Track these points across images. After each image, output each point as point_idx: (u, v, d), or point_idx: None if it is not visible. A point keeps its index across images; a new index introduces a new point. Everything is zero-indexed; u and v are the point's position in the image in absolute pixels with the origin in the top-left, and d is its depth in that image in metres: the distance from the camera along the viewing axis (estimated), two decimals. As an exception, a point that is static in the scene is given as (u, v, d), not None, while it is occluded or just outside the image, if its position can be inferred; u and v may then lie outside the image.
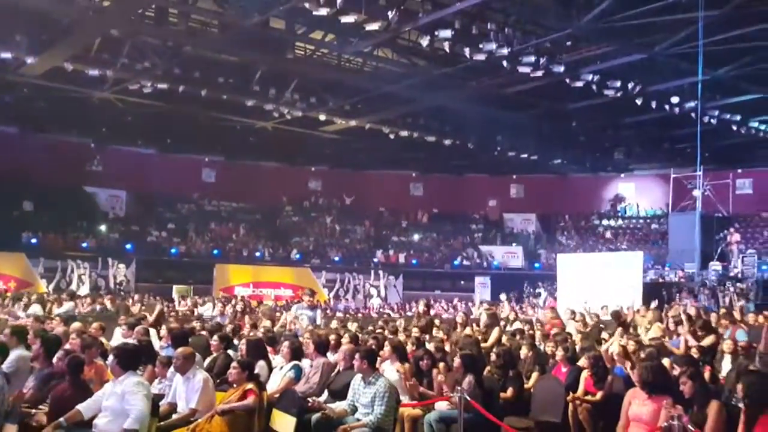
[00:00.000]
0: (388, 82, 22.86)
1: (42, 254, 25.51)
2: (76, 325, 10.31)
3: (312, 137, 29.53)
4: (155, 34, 20.46)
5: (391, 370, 7.76)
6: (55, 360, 6.95)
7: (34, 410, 6.30)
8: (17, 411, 5.67)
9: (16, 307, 15.67)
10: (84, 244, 26.74)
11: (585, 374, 8.03)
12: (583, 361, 8.40)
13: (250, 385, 6.24)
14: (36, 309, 13.87)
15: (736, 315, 13.12)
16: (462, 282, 32.05)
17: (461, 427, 6.56)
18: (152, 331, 10.51)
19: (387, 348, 7.83)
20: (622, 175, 35.02)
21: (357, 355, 6.61)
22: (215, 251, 29.21)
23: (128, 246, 27.48)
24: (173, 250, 28.34)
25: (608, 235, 33.78)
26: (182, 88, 22.55)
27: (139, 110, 26.12)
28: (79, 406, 5.69)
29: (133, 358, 5.92)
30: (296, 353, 7.50)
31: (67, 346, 8.17)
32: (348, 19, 16.34)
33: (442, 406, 7.20)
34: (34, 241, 25.66)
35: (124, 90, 23.45)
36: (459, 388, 6.78)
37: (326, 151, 33.18)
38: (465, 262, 32.77)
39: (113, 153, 30.56)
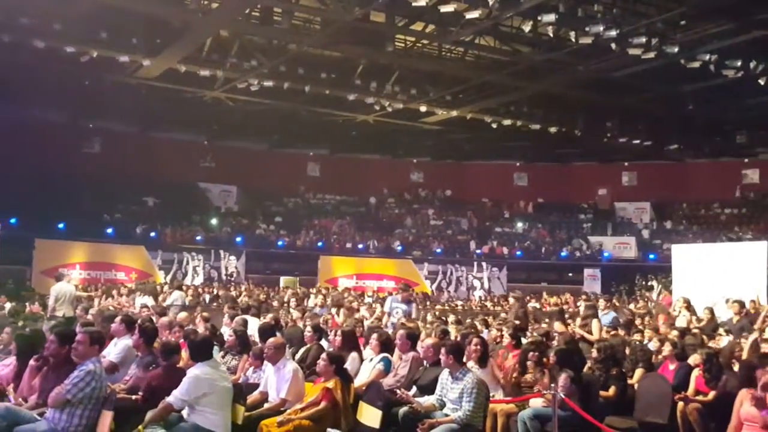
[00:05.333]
0: (490, 71, 22.46)
1: (160, 247, 26.89)
2: (182, 315, 10.74)
3: (413, 129, 29.49)
4: (261, 33, 21.02)
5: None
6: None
7: (134, 396, 6.57)
8: (113, 398, 5.89)
9: (132, 297, 16.61)
10: (198, 237, 27.98)
11: (696, 372, 7.57)
12: (694, 359, 7.92)
13: (331, 383, 6.23)
14: (147, 300, 14.61)
15: None
16: (570, 274, 31.05)
17: (556, 426, 6.28)
18: (253, 321, 10.77)
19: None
20: (746, 160, 32.72)
21: (443, 350, 6.46)
22: (319, 243, 29.80)
23: (238, 239, 28.51)
24: (280, 243, 29.15)
25: (730, 223, 31.66)
26: (287, 85, 23.08)
27: (248, 108, 27.02)
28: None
29: (200, 349, 6.03)
30: (385, 345, 7.44)
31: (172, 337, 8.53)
32: (448, 8, 16.13)
33: (537, 402, 6.94)
34: (153, 234, 27.11)
35: (233, 89, 24.29)
36: (553, 385, 6.50)
37: (428, 143, 33.07)
38: (574, 254, 31.70)
39: (225, 150, 31.81)
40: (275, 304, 16.41)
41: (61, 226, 24.52)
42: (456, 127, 28.91)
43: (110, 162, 27.86)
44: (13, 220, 22.49)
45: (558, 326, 9.79)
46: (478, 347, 7.40)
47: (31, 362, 6.52)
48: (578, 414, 6.41)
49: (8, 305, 14.84)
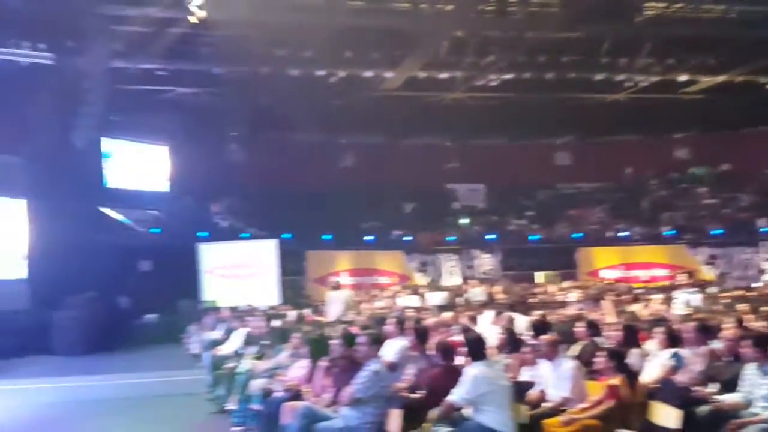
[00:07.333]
0: (761, 26, 19.71)
1: (416, 250, 27.70)
2: (446, 315, 10.80)
3: (673, 102, 27.03)
4: (496, 27, 20.69)
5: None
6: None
7: (412, 395, 6.63)
8: (398, 396, 6.09)
9: (394, 299, 17.22)
10: (450, 238, 28.35)
11: None
12: None
13: (616, 380, 5.69)
14: (410, 300, 14.98)
15: None
16: None
17: None
18: (521, 318, 10.42)
19: None
20: None
21: (747, 343, 5.54)
22: (577, 234, 28.48)
23: (491, 236, 28.35)
24: (534, 237, 28.41)
25: None
26: (527, 75, 22.48)
27: (488, 104, 26.87)
28: None
29: (477, 347, 6.03)
30: (673, 339, 6.61)
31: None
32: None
33: None
34: (408, 238, 28.06)
35: (472, 87, 24.30)
36: None
37: (691, 115, 30.07)
38: None
39: (469, 149, 31.93)
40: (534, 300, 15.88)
41: (326, 237, 26.39)
42: (724, 94, 25.88)
43: (364, 173, 29.40)
44: (287, 235, 24.66)
45: None
46: None
47: (322, 363, 7.04)
48: None
49: (292, 313, 16.17)
